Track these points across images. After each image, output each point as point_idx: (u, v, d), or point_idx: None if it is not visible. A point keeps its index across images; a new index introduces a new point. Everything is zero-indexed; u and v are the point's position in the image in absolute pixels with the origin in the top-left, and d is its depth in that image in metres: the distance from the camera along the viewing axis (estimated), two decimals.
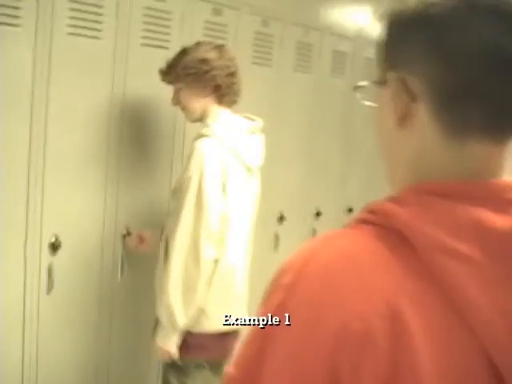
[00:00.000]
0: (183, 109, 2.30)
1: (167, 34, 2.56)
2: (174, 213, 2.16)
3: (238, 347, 1.02)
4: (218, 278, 2.15)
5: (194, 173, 2.10)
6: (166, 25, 2.55)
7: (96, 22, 2.27)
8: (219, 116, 2.24)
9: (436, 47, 0.70)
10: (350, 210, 3.77)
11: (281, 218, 3.33)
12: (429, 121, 0.72)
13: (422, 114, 0.72)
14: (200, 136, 2.19)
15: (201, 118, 2.27)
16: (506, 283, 0.66)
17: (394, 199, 0.73)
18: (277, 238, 3.32)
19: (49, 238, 2.24)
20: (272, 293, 0.72)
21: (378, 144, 0.81)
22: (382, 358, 0.64)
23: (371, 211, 0.74)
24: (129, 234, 2.52)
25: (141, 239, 2.48)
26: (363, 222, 0.74)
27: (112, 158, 2.43)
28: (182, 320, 2.14)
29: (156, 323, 2.23)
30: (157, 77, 2.31)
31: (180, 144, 2.71)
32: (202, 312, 2.16)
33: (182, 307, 2.12)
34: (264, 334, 0.69)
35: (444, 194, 0.70)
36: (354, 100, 0.86)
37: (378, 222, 0.71)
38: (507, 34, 0.68)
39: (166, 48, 2.52)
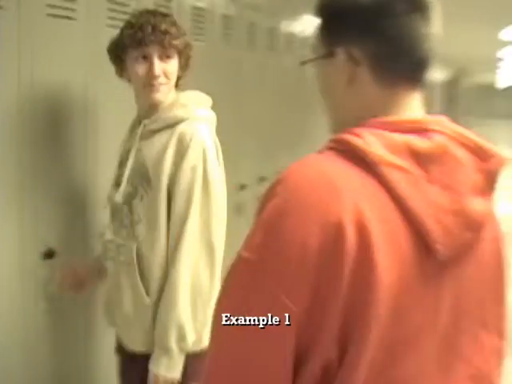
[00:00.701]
0: (166, 85, 1.84)
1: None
2: (149, 217, 1.80)
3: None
4: None
5: (197, 162, 1.76)
6: None
7: None
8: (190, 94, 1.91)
9: (369, 27, 0.98)
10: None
11: None
12: (369, 79, 1.00)
13: (364, 74, 1.00)
14: (180, 119, 1.81)
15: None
16: (428, 184, 0.93)
17: (351, 133, 0.97)
18: None
19: None
20: (268, 199, 0.94)
21: (326, 103, 1.09)
22: (350, 244, 0.87)
23: (336, 141, 0.98)
24: (50, 253, 1.96)
25: (77, 279, 2.03)
26: (330, 149, 0.98)
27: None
28: (192, 338, 1.78)
29: (130, 352, 1.87)
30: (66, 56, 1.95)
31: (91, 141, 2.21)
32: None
33: (192, 323, 1.77)
34: (267, 224, 0.92)
35: (384, 127, 0.97)
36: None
37: (341, 149, 0.96)
38: (419, 18, 0.98)
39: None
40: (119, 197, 1.86)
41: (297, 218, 0.89)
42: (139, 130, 1.87)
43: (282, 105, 4.16)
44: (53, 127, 2.05)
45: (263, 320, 0.87)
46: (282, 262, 0.89)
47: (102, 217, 2.05)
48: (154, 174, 1.80)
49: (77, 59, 2.09)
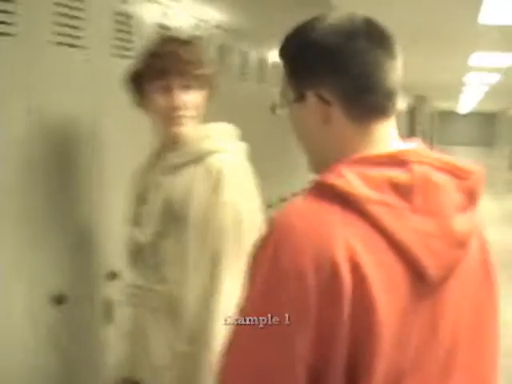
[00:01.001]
0: (188, 117, 1.74)
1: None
2: (180, 256, 1.66)
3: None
4: None
5: (227, 197, 1.65)
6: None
7: None
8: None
9: (334, 68, 1.02)
10: None
11: None
12: (342, 117, 1.03)
13: (337, 113, 1.03)
14: (207, 153, 1.70)
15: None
16: (412, 214, 0.97)
17: (332, 172, 0.99)
18: None
19: None
20: (260, 252, 0.97)
21: (303, 144, 1.12)
22: (346, 282, 0.91)
23: (318, 184, 1.01)
24: (61, 299, 1.79)
25: None
26: (313, 192, 1.00)
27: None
28: None
29: None
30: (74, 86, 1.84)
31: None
32: None
33: None
34: (264, 278, 0.94)
35: (363, 163, 1.00)
36: None
37: (324, 191, 0.98)
38: (382, 53, 1.03)
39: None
40: (144, 237, 1.74)
41: (291, 262, 0.92)
42: (161, 165, 1.76)
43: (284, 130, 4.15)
44: (61, 160, 1.91)
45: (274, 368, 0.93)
46: (283, 313, 0.92)
47: (111, 257, 1.94)
48: (183, 212, 1.68)
49: (84, 89, 1.97)
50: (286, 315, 0.91)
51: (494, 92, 17.37)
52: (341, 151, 1.03)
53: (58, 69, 1.85)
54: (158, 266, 1.72)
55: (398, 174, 0.98)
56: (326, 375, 0.93)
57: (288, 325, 0.91)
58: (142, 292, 1.75)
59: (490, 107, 28.60)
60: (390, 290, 0.94)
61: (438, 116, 30.80)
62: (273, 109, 1.20)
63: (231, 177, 1.67)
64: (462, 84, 15.32)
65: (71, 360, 1.94)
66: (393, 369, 0.95)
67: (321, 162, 1.07)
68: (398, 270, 0.95)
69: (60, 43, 1.86)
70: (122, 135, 2.09)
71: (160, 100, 1.70)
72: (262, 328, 0.93)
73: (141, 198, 1.79)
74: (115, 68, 1.98)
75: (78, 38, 1.93)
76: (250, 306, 0.96)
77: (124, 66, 1.84)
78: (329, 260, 0.91)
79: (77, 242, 1.96)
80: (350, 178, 0.97)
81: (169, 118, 1.71)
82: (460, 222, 1.00)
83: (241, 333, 0.96)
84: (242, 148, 1.78)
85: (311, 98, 1.04)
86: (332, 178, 0.98)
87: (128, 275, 1.83)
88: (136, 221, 1.79)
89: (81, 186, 2.00)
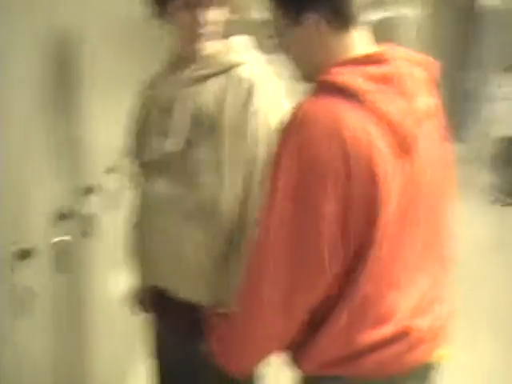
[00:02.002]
0: (212, 34, 1.80)
1: None
2: (213, 164, 1.73)
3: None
4: None
5: (259, 105, 1.74)
6: None
7: None
8: None
9: None
10: None
11: None
12: (329, 31, 1.33)
13: (325, 29, 1.32)
14: (236, 64, 1.78)
15: None
16: (397, 97, 1.28)
17: (330, 73, 1.28)
18: None
19: None
20: (287, 135, 1.25)
21: (295, 59, 1.40)
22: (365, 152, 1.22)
23: (322, 82, 1.29)
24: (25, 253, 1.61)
25: None
26: (320, 90, 1.29)
27: None
28: None
29: None
30: None
31: None
32: None
33: None
34: (297, 152, 1.23)
35: (354, 63, 1.29)
36: None
37: (328, 87, 1.27)
38: None
39: None
40: (173, 146, 1.77)
41: (320, 147, 1.21)
42: (184, 77, 1.79)
43: None
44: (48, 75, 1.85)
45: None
46: (316, 178, 1.22)
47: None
48: (216, 120, 1.73)
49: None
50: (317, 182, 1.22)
51: None
52: (330, 57, 1.33)
53: None
54: (189, 174, 1.76)
55: (377, 69, 1.30)
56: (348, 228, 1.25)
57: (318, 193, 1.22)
58: (173, 199, 1.79)
59: None
60: (386, 154, 1.25)
61: None
62: (272, 37, 1.42)
63: (262, 87, 1.74)
64: None
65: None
66: (397, 213, 1.29)
67: (314, 70, 1.34)
68: (390, 142, 1.26)
69: None
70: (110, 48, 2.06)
71: (184, 17, 1.72)
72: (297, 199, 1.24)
73: (163, 110, 1.81)
74: None
75: None
76: (286, 181, 1.25)
77: None
78: (350, 140, 1.20)
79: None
80: (347, 76, 1.27)
81: (193, 34, 1.74)
82: (423, 102, 1.36)
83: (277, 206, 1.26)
84: (262, 59, 1.85)
85: (306, 20, 1.32)
86: (332, 77, 1.28)
87: (152, 185, 1.83)
88: (162, 131, 1.80)
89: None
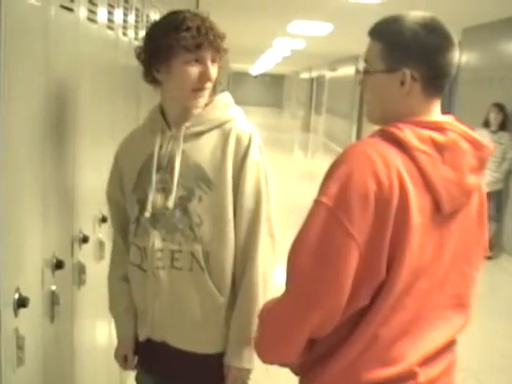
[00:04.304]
0: (209, 89, 1.86)
1: None
2: (215, 216, 1.79)
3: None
4: None
5: (258, 158, 1.82)
6: None
7: None
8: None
9: (427, 59, 1.45)
10: None
11: None
12: (419, 92, 1.46)
13: (417, 88, 1.46)
14: (228, 119, 1.85)
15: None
16: (442, 165, 1.40)
17: (394, 126, 1.43)
18: None
19: None
20: (337, 165, 1.38)
21: (375, 103, 1.53)
22: (396, 195, 1.34)
23: (384, 131, 1.44)
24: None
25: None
26: (379, 136, 1.43)
27: None
28: None
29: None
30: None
31: None
32: None
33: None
34: (339, 180, 1.36)
35: (416, 124, 1.43)
36: None
37: (387, 136, 1.42)
38: (453, 51, 1.48)
39: None
40: (172, 201, 1.81)
41: (360, 177, 1.33)
42: (181, 133, 1.83)
43: None
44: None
45: (337, 245, 1.32)
46: (351, 207, 1.32)
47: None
48: (216, 174, 1.80)
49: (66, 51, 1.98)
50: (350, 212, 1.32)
51: (291, 57, 18.38)
52: (404, 114, 1.45)
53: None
54: (190, 228, 1.81)
55: (437, 135, 1.41)
56: (374, 266, 1.35)
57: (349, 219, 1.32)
58: (170, 254, 1.83)
59: (281, 70, 30.06)
60: (420, 210, 1.37)
61: (232, 76, 31.74)
62: (360, 74, 1.54)
63: (256, 140, 1.84)
64: (267, 48, 15.99)
65: None
66: (414, 267, 1.38)
67: (383, 118, 1.50)
68: (426, 199, 1.38)
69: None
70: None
71: (192, 72, 1.77)
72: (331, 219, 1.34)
73: (160, 167, 1.85)
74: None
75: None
76: (330, 201, 1.35)
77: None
78: (386, 182, 1.33)
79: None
80: (406, 132, 1.40)
81: (196, 89, 1.80)
82: (471, 179, 1.45)
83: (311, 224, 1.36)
84: (243, 113, 1.94)
85: (402, 72, 1.43)
86: (394, 129, 1.42)
87: (151, 240, 1.86)
88: (160, 187, 1.84)
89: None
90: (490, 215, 6.85)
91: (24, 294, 1.60)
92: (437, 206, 1.41)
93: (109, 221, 2.15)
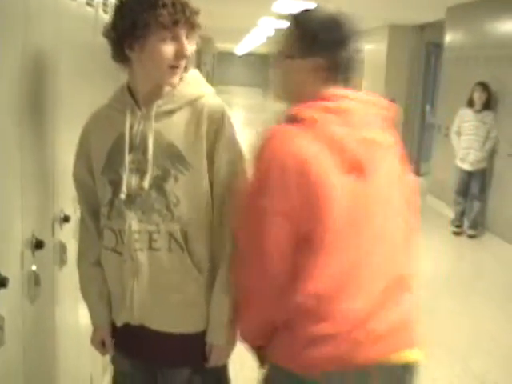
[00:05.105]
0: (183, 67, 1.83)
1: None
2: (193, 195, 1.78)
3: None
4: None
5: (231, 133, 1.82)
6: None
7: None
8: None
9: (333, 51, 1.66)
10: None
11: None
12: (323, 77, 1.67)
13: (323, 74, 1.67)
14: (200, 96, 1.83)
15: None
16: (343, 127, 1.59)
17: (297, 110, 1.63)
18: None
19: None
20: (260, 155, 1.61)
21: (281, 85, 1.75)
22: (314, 170, 1.56)
23: (292, 115, 1.63)
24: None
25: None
26: (289, 120, 1.63)
27: None
28: None
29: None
30: None
31: None
32: None
33: None
34: (263, 169, 1.61)
35: (315, 100, 1.64)
36: None
37: (294, 119, 1.62)
38: (353, 39, 1.69)
39: None
40: (147, 182, 1.77)
41: (279, 163, 1.56)
42: (152, 112, 1.78)
43: None
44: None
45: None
46: (272, 188, 1.56)
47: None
48: (191, 152, 1.77)
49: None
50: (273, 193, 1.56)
51: (276, 36, 18.24)
52: (309, 96, 1.64)
53: None
54: (167, 208, 1.78)
55: (337, 105, 1.62)
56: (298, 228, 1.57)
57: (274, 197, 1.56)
58: (149, 235, 1.80)
59: (266, 50, 29.89)
60: (334, 173, 1.55)
61: (217, 56, 31.53)
62: (272, 59, 1.70)
63: (227, 116, 1.82)
64: (252, 27, 15.86)
65: None
66: (341, 224, 1.57)
67: (290, 98, 1.70)
68: (337, 161, 1.56)
69: None
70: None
71: (168, 49, 1.72)
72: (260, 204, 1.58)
73: (134, 147, 1.80)
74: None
75: None
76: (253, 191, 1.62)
77: None
78: (302, 162, 1.54)
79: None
80: (307, 110, 1.61)
81: (172, 67, 1.75)
82: (372, 134, 1.64)
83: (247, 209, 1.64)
84: (213, 90, 1.91)
85: (312, 60, 1.65)
86: (295, 112, 1.62)
87: (128, 222, 1.81)
88: (135, 168, 1.80)
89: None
90: (474, 194, 6.91)
91: (3, 273, 1.58)
92: (351, 165, 1.58)
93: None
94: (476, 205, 6.90)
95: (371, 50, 12.41)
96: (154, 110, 1.79)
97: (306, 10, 1.70)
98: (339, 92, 1.67)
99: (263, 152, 1.61)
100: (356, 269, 1.60)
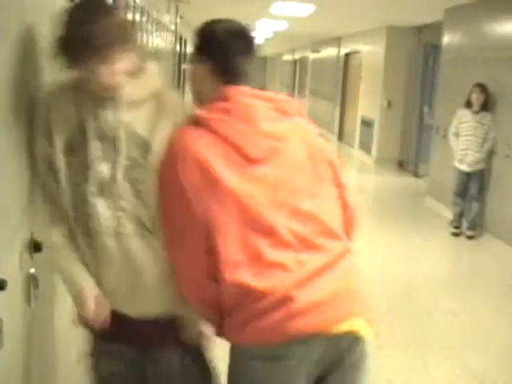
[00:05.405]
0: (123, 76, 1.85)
1: None
2: None
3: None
4: None
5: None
6: None
7: None
8: None
9: (215, 54, 1.85)
10: None
11: None
12: (211, 75, 1.85)
13: (212, 74, 1.84)
14: (163, 88, 1.96)
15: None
16: (237, 123, 1.76)
17: (196, 113, 1.80)
18: None
19: None
20: (168, 154, 1.78)
21: (193, 87, 1.92)
22: (204, 166, 1.72)
23: (192, 117, 1.80)
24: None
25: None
26: (189, 124, 1.79)
27: None
28: None
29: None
30: None
31: None
32: None
33: None
34: (169, 167, 1.78)
35: (213, 101, 1.81)
36: None
37: (194, 121, 1.78)
38: (246, 50, 1.88)
39: None
40: (120, 174, 1.81)
41: (181, 162, 1.72)
42: (119, 103, 1.81)
43: None
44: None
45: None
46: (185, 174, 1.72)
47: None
48: (156, 142, 1.82)
49: None
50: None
51: (274, 38, 18.28)
52: (210, 97, 1.81)
53: None
54: (136, 195, 1.83)
55: (225, 104, 1.77)
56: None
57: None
58: (119, 222, 1.83)
59: (263, 52, 29.88)
60: (229, 165, 1.71)
61: None
62: (189, 64, 1.91)
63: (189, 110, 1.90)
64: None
65: None
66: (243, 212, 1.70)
67: (198, 99, 1.89)
68: (231, 156, 1.72)
69: None
70: None
71: (101, 71, 1.73)
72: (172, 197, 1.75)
73: (105, 138, 1.82)
74: None
75: None
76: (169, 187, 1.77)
77: None
78: (195, 161, 1.70)
79: None
80: (203, 112, 1.78)
81: (108, 83, 1.77)
82: (270, 126, 1.78)
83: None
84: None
85: (208, 64, 1.83)
86: (196, 115, 1.79)
87: (99, 210, 1.82)
88: (105, 158, 1.82)
89: None
90: (472, 195, 6.92)
91: (1, 276, 1.58)
92: (244, 157, 1.73)
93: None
94: (474, 206, 6.90)
95: (369, 52, 12.46)
96: (118, 101, 1.82)
97: (211, 22, 1.90)
98: (237, 91, 1.80)
99: (168, 154, 1.77)
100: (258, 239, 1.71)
